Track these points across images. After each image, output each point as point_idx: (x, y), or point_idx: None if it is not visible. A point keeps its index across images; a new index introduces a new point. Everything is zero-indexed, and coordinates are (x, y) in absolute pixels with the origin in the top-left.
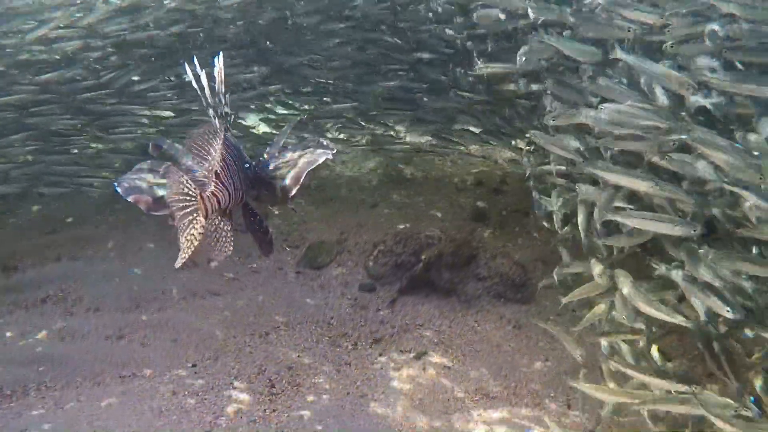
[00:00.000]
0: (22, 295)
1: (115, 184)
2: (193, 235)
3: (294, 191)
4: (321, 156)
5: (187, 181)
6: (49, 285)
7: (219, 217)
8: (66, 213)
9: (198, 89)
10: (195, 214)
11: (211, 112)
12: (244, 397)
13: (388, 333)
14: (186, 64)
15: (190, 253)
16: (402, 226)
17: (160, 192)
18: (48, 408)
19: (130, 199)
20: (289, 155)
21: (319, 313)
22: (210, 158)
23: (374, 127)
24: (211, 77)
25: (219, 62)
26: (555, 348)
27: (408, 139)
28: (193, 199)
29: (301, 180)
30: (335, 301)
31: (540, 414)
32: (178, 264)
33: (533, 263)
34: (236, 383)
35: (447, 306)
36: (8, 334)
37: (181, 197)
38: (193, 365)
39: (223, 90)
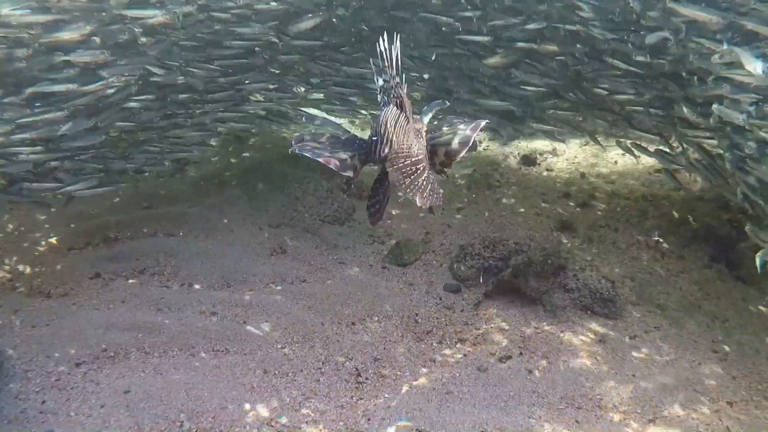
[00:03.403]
0: (122, 265)
1: (295, 148)
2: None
3: (462, 154)
4: (480, 125)
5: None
6: (146, 258)
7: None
8: (163, 190)
9: (385, 62)
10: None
11: (392, 82)
12: (332, 382)
13: (473, 334)
14: (379, 40)
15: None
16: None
17: (344, 155)
18: (148, 373)
19: (320, 160)
20: (446, 125)
21: (404, 309)
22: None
23: None
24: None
25: (396, 43)
26: (641, 364)
27: None
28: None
29: (470, 144)
30: (420, 298)
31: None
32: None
33: (620, 279)
34: (324, 368)
35: (531, 313)
36: (110, 299)
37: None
38: (282, 347)
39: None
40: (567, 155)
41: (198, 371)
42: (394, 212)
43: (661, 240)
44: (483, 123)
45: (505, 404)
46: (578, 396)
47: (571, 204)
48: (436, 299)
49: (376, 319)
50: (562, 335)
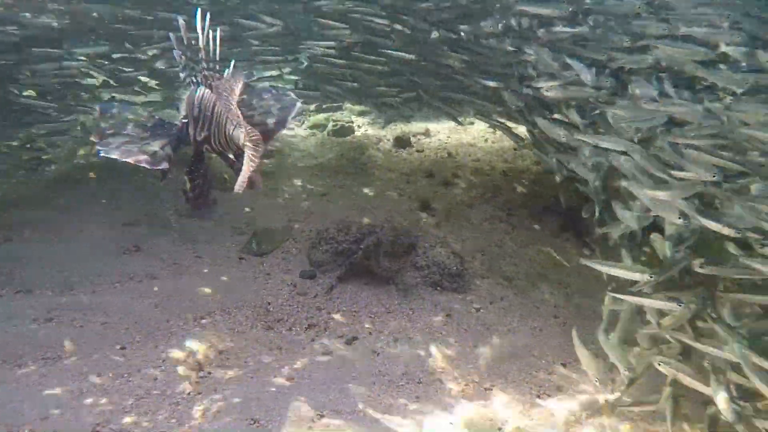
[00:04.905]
0: None
1: (100, 151)
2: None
3: (281, 132)
4: (296, 106)
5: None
6: None
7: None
8: (8, 194)
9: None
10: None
11: (204, 64)
12: (170, 380)
13: (323, 319)
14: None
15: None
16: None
17: (154, 147)
18: None
19: (129, 161)
20: (256, 100)
21: (257, 298)
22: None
23: None
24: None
25: (206, 20)
26: (484, 335)
27: None
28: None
29: (287, 124)
30: (275, 287)
31: (463, 401)
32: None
33: (471, 254)
34: (164, 366)
35: (384, 293)
36: None
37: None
38: (122, 347)
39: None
40: (439, 136)
41: (21, 382)
42: (257, 201)
43: (512, 213)
44: (299, 105)
45: (346, 385)
46: (420, 371)
47: (434, 183)
48: (290, 287)
49: (227, 311)
50: (411, 313)
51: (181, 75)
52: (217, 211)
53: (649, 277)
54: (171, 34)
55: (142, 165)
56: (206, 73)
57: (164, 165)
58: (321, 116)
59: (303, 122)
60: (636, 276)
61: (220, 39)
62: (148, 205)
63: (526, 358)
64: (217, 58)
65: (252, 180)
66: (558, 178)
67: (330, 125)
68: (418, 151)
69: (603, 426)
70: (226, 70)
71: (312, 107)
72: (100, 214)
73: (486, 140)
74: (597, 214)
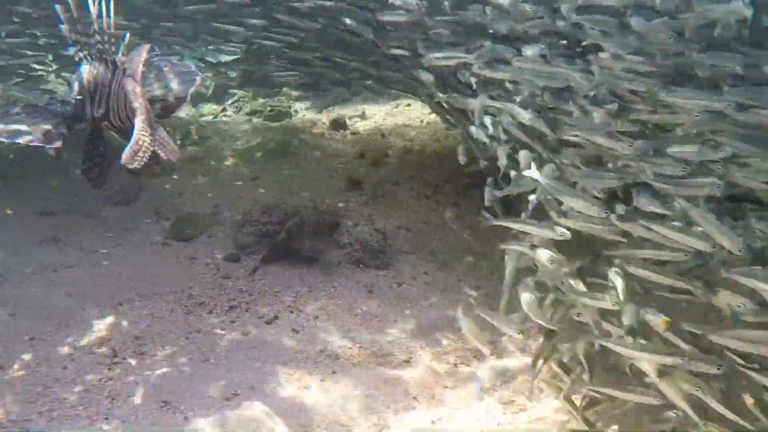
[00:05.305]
0: None
1: None
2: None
3: (182, 108)
4: (196, 81)
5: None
6: None
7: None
8: None
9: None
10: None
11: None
12: (81, 367)
13: (245, 300)
14: None
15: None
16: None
17: (46, 126)
18: None
19: (19, 141)
20: (155, 72)
21: (179, 283)
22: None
23: None
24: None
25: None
26: (405, 309)
27: None
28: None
29: (188, 98)
30: (198, 271)
31: (380, 373)
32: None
33: (396, 231)
34: (75, 354)
35: (308, 273)
36: None
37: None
38: (31, 338)
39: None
40: (375, 118)
41: None
42: (184, 186)
43: (438, 191)
44: (199, 79)
45: (263, 364)
46: (338, 347)
47: (364, 164)
48: (214, 270)
49: (146, 297)
50: (333, 291)
51: (71, 50)
52: (141, 197)
53: (560, 234)
54: (57, 7)
55: (33, 144)
56: (101, 47)
57: (58, 144)
58: (259, 101)
59: (240, 108)
60: (549, 233)
61: (114, 11)
62: (69, 193)
63: (447, 330)
64: (111, 32)
65: (160, 156)
66: (460, 150)
67: (267, 110)
68: (352, 133)
69: (515, 390)
70: (121, 45)
71: (250, 92)
72: (12, 204)
73: (422, 121)
74: (490, 180)
